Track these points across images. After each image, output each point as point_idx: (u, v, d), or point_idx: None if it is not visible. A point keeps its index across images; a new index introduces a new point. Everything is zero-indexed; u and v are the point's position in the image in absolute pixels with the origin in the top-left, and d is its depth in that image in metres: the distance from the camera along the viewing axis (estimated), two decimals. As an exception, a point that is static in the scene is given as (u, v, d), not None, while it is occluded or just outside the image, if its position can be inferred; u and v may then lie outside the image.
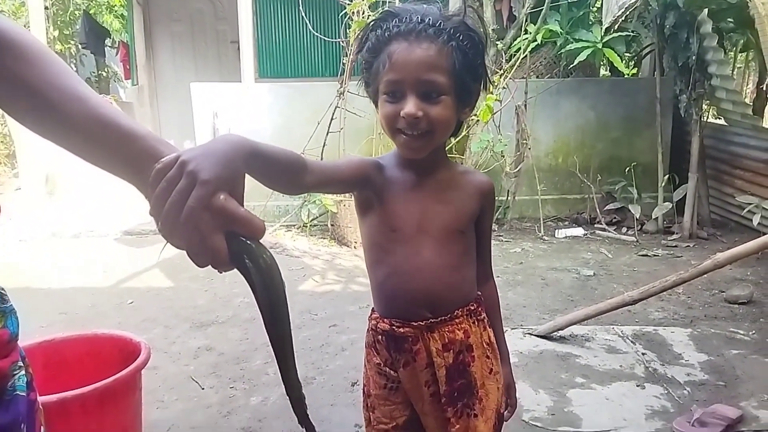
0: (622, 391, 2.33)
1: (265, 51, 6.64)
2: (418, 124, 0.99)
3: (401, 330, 1.09)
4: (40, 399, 0.89)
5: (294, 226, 5.15)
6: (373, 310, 1.17)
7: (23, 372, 0.99)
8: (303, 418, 0.65)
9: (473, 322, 1.13)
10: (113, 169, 0.65)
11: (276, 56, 6.71)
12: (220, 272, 0.60)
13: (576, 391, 2.33)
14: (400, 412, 1.15)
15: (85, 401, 1.53)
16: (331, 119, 4.78)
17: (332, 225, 4.92)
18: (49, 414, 1.14)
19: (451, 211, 1.10)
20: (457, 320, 1.10)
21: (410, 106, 0.97)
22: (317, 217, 5.06)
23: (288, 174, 0.84)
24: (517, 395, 1.26)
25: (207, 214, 0.56)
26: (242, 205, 0.59)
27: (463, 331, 1.10)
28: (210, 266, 0.58)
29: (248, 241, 0.57)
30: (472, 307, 1.13)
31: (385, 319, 1.11)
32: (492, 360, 1.15)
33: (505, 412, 1.22)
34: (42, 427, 1.13)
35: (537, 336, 2.82)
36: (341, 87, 4.77)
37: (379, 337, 1.13)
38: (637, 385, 2.37)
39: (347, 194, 4.60)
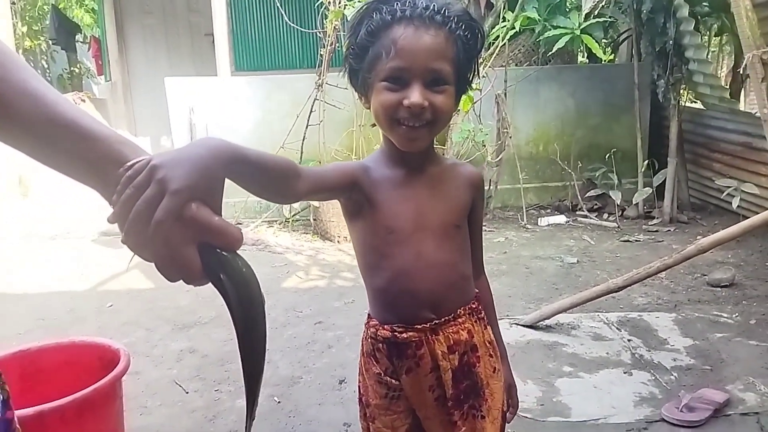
0: (609, 378, 2.34)
1: (240, 43, 6.52)
2: (423, 114, 0.94)
3: (404, 335, 1.05)
4: (17, 413, 0.85)
5: (276, 221, 5.09)
6: (370, 316, 1.12)
7: None
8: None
9: (475, 321, 1.10)
10: (72, 173, 0.59)
11: (252, 48, 6.60)
12: (194, 286, 0.56)
13: (564, 381, 2.33)
14: (401, 422, 1.11)
15: (64, 413, 1.48)
16: (311, 112, 4.72)
17: (315, 220, 4.87)
18: (27, 428, 1.08)
19: (446, 205, 1.06)
20: (460, 320, 1.07)
21: (416, 95, 0.92)
22: (299, 212, 5.01)
23: (278, 182, 0.79)
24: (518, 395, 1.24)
25: (178, 225, 0.51)
26: (219, 214, 0.55)
27: (467, 331, 1.08)
28: (182, 281, 0.54)
29: (224, 253, 0.53)
30: (473, 306, 1.11)
31: (385, 326, 1.07)
32: (494, 359, 1.13)
33: (507, 413, 1.20)
34: None
35: (523, 326, 2.82)
36: (320, 78, 4.70)
37: (380, 345, 1.08)
38: (625, 372, 2.38)
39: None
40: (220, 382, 2.40)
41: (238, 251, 0.55)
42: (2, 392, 0.96)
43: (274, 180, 0.78)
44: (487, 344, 1.12)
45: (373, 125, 1.08)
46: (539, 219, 5.00)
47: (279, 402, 2.22)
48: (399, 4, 0.93)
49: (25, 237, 4.86)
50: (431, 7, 0.92)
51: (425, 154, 1.05)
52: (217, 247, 0.53)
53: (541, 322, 2.82)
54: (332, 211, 4.66)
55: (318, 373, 2.47)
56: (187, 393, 2.33)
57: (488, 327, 1.14)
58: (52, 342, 1.84)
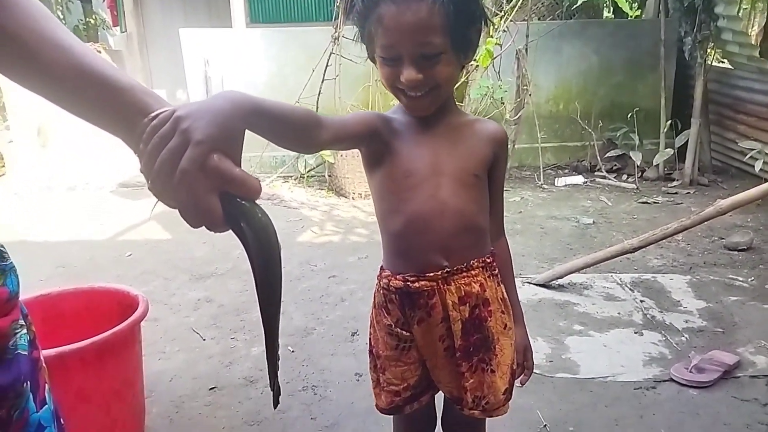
0: (620, 338, 2.35)
1: (256, -6, 6.40)
2: (421, 85, 0.97)
3: (416, 284, 1.06)
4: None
5: (291, 177, 5.10)
6: (382, 268, 1.13)
7: (25, 331, 0.98)
8: (273, 382, 0.63)
9: (488, 276, 1.10)
10: (98, 122, 0.61)
11: (267, 0, 6.47)
12: (214, 233, 0.57)
13: (574, 338, 2.35)
14: (411, 373, 1.14)
15: (84, 355, 1.53)
16: (326, 66, 4.64)
17: (330, 176, 4.87)
18: (49, 368, 1.12)
19: (464, 153, 1.07)
20: (473, 272, 1.08)
21: (408, 72, 0.95)
22: (314, 168, 5.00)
23: (300, 132, 0.80)
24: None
25: (201, 175, 0.53)
26: (239, 165, 0.56)
27: (479, 285, 1.08)
28: (204, 227, 0.56)
29: (243, 202, 0.55)
30: (488, 260, 1.11)
31: (397, 276, 1.08)
32: (506, 316, 1.13)
33: (522, 376, 1.21)
34: (46, 385, 1.12)
35: (535, 285, 2.82)
36: (336, 32, 4.60)
37: (392, 295, 1.10)
38: (635, 332, 2.38)
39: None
40: (236, 331, 2.46)
41: (256, 201, 0.56)
42: (29, 332, 0.99)
43: (295, 130, 0.79)
44: (500, 300, 1.12)
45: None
46: (556, 179, 4.94)
47: (293, 351, 2.28)
48: None
49: (44, 187, 4.93)
50: None
51: (444, 106, 1.05)
52: (237, 196, 0.55)
53: (554, 281, 2.82)
54: (347, 167, 4.65)
55: (331, 324, 2.52)
56: (204, 340, 2.39)
57: (501, 284, 1.14)
58: (72, 288, 1.89)
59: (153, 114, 0.56)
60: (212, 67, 5.15)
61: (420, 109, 1.02)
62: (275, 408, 0.67)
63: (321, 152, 4.69)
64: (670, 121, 4.90)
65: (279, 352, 0.62)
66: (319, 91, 4.61)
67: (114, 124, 0.60)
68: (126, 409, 1.71)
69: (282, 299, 0.60)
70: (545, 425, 1.80)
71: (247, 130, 0.61)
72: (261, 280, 0.58)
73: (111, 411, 1.64)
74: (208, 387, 2.05)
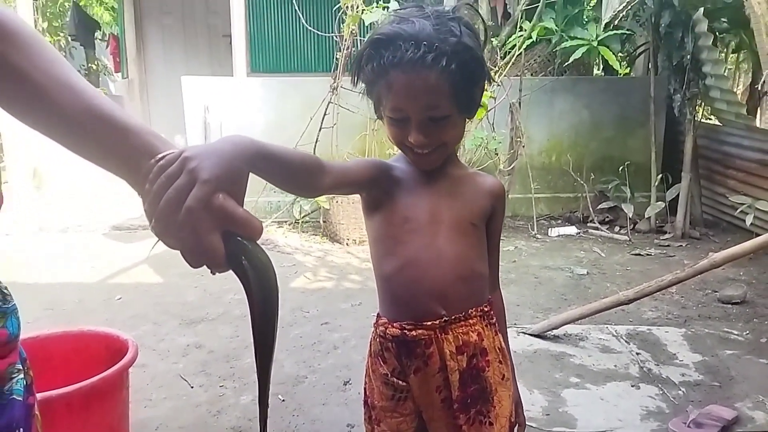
0: (617, 391, 2.31)
1: (257, 45, 6.57)
2: (427, 146, 1.00)
3: (413, 333, 1.05)
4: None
5: (286, 222, 5.11)
6: (379, 315, 1.13)
7: (22, 375, 0.95)
8: (263, 427, 0.63)
9: (486, 325, 1.09)
10: (105, 164, 0.62)
11: (268, 50, 6.65)
12: (214, 273, 0.58)
13: (570, 391, 2.31)
14: (407, 425, 1.11)
15: (71, 400, 1.49)
16: (324, 114, 4.73)
17: (324, 222, 4.88)
18: (32, 415, 1.08)
19: (462, 204, 1.08)
20: (471, 320, 1.07)
21: (416, 134, 0.98)
22: (309, 214, 5.02)
23: (303, 176, 0.82)
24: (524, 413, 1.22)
25: (205, 214, 0.54)
26: (242, 206, 0.58)
27: (477, 334, 1.07)
28: (205, 267, 0.56)
29: (245, 242, 0.55)
30: (486, 309, 1.10)
31: (394, 324, 1.07)
32: (504, 366, 1.12)
33: (515, 430, 1.19)
34: None
35: (531, 335, 2.80)
36: (334, 82, 4.72)
37: (389, 344, 1.08)
38: (632, 386, 2.35)
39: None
40: (225, 378, 2.41)
41: (257, 241, 0.57)
42: (26, 377, 0.97)
43: (297, 174, 0.80)
44: (497, 350, 1.11)
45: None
46: (549, 229, 4.97)
47: (283, 400, 2.22)
48: (390, 52, 0.94)
49: (37, 229, 4.91)
50: (421, 50, 0.92)
51: (445, 159, 1.07)
52: (239, 236, 0.55)
53: (549, 332, 2.80)
54: (342, 213, 4.67)
55: (323, 373, 2.47)
56: (192, 387, 2.33)
57: (499, 334, 1.13)
58: (61, 330, 1.86)
59: (161, 155, 0.57)
60: (212, 114, 5.24)
61: (426, 165, 1.05)
62: None
63: (316, 198, 4.72)
64: (660, 175, 4.99)
65: (269, 400, 0.61)
66: (317, 139, 4.68)
67: (120, 165, 0.61)
68: (110, 459, 1.65)
69: (276, 341, 0.60)
70: (542, 482, 1.75)
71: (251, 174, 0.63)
72: (259, 319, 0.57)
73: (94, 460, 1.59)
74: (195, 437, 1.99)
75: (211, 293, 3.42)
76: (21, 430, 0.98)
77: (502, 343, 1.13)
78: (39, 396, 1.48)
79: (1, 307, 0.80)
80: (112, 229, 5.02)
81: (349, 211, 4.66)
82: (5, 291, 0.72)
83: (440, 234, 1.05)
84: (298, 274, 3.85)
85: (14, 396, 0.95)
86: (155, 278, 3.78)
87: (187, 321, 3.04)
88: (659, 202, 4.92)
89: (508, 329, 1.22)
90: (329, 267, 4.06)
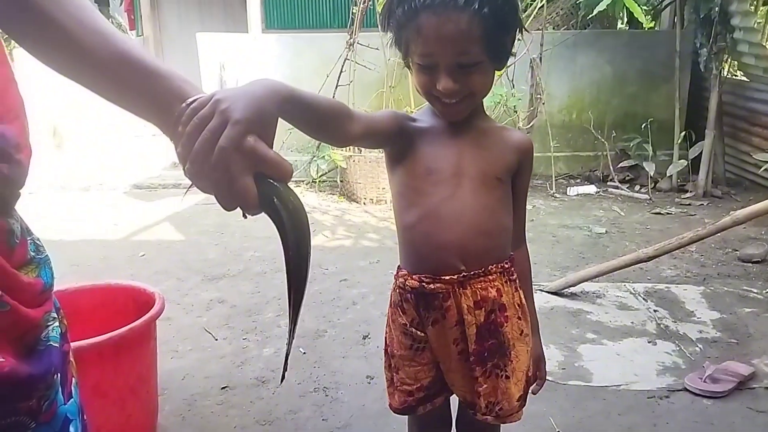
0: (633, 347, 2.33)
1: (272, 0, 6.45)
2: (456, 94, 0.98)
3: (431, 286, 1.06)
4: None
5: (303, 181, 5.12)
6: (399, 267, 1.14)
7: (57, 323, 0.99)
8: (285, 362, 0.65)
9: (506, 282, 1.09)
10: (136, 108, 0.63)
11: (283, 6, 6.51)
12: (246, 216, 0.59)
13: (587, 347, 2.33)
14: (425, 373, 1.13)
15: (102, 350, 1.54)
16: (341, 72, 4.68)
17: (341, 181, 4.88)
18: (67, 363, 1.12)
19: (488, 156, 1.07)
20: (490, 276, 1.07)
21: (445, 82, 0.96)
22: (326, 173, 5.02)
23: (332, 122, 0.82)
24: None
25: (237, 155, 0.54)
26: (272, 148, 0.58)
27: (496, 290, 1.07)
28: (238, 209, 0.57)
29: (277, 184, 0.56)
30: (506, 266, 1.10)
31: (414, 276, 1.08)
32: (523, 322, 1.12)
33: (534, 385, 1.21)
34: (74, 379, 1.14)
35: (548, 292, 2.81)
36: (351, 38, 4.64)
37: (408, 295, 1.10)
38: (649, 342, 2.37)
39: (359, 149, 4.57)
40: (248, 332, 2.47)
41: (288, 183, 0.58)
42: (61, 325, 1.01)
43: (326, 121, 0.80)
44: (517, 306, 1.11)
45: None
46: (568, 188, 4.93)
47: (304, 353, 2.28)
48: None
49: (59, 188, 4.99)
50: None
51: (472, 111, 1.06)
52: (270, 177, 0.56)
53: (566, 290, 2.81)
54: (359, 172, 4.67)
55: (342, 328, 2.52)
56: (216, 340, 2.40)
57: (519, 290, 1.13)
58: (89, 284, 1.91)
59: (192, 98, 0.57)
60: (227, 72, 5.20)
61: (453, 115, 1.03)
62: (281, 383, 0.70)
63: (333, 157, 4.72)
64: (684, 132, 4.88)
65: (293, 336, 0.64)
66: (333, 97, 4.64)
67: (151, 109, 0.61)
68: (140, 406, 1.72)
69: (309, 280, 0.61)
70: (558, 431, 1.79)
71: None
72: (292, 258, 0.59)
73: (126, 407, 1.65)
74: (220, 386, 2.06)
75: (231, 251, 3.48)
76: (58, 375, 1.02)
77: (523, 300, 1.13)
78: (72, 345, 1.54)
79: (35, 258, 0.82)
80: (132, 187, 5.09)
81: (366, 170, 4.66)
82: (38, 242, 0.74)
83: (463, 187, 1.04)
84: (316, 233, 3.88)
85: (51, 343, 0.99)
86: (177, 236, 3.84)
87: (209, 277, 3.10)
88: (681, 160, 4.83)
89: (527, 286, 1.23)
90: (347, 226, 4.09)
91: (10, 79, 0.62)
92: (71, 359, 1.06)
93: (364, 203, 4.65)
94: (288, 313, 0.61)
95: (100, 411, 1.58)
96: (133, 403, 1.68)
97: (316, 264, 3.24)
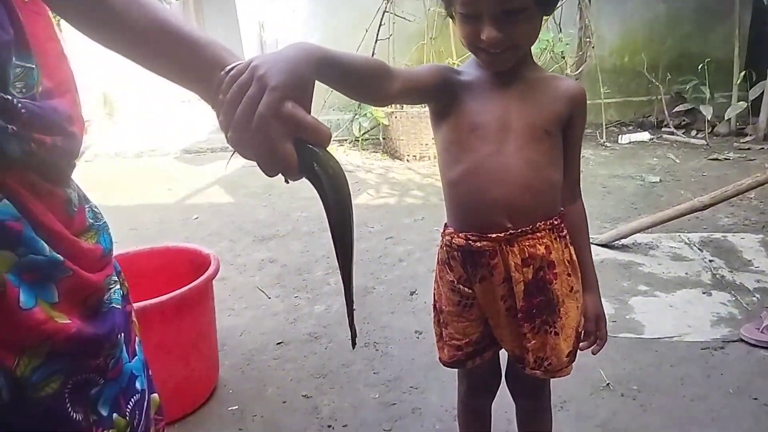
0: (687, 298, 2.28)
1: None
2: (500, 44, 0.94)
3: (478, 244, 1.05)
4: (122, 309, 0.94)
5: (346, 140, 5.14)
6: (446, 225, 1.13)
7: (118, 286, 1.04)
8: (351, 322, 0.67)
9: (555, 238, 1.07)
10: (176, 78, 0.64)
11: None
12: (288, 182, 0.60)
13: (638, 299, 2.30)
14: (473, 329, 1.14)
15: (164, 309, 1.63)
16: (380, 25, 4.60)
17: (384, 138, 4.87)
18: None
19: (536, 109, 1.03)
20: (538, 233, 1.05)
21: (489, 31, 0.92)
22: (368, 131, 5.01)
23: (370, 82, 0.81)
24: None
25: (276, 121, 0.55)
26: (309, 113, 0.58)
27: (545, 247, 1.05)
28: (280, 175, 0.58)
29: (316, 149, 0.57)
30: (556, 222, 1.07)
31: (460, 234, 1.07)
32: (573, 278, 1.10)
33: (594, 346, 1.18)
34: (137, 338, 1.21)
35: (598, 245, 2.76)
36: (389, -10, 4.53)
37: (455, 253, 1.09)
38: (703, 293, 2.31)
39: (400, 105, 4.52)
40: (299, 290, 2.55)
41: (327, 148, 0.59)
42: (122, 287, 1.07)
43: (364, 81, 0.80)
44: (567, 263, 1.09)
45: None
46: (620, 136, 4.76)
47: (354, 309, 2.34)
48: None
49: (113, 155, 5.18)
50: None
51: (519, 61, 1.02)
52: (309, 143, 0.57)
53: (617, 242, 2.75)
54: (401, 129, 4.64)
55: (390, 284, 2.56)
56: (269, 298, 2.49)
57: (570, 246, 1.10)
58: (148, 248, 2.00)
59: (230, 66, 0.58)
60: (267, 31, 5.19)
61: (499, 66, 1.00)
62: (353, 348, 0.71)
63: (375, 115, 4.69)
64: (743, 73, 4.60)
65: (353, 294, 0.64)
66: (373, 52, 4.58)
67: (191, 78, 0.63)
68: (202, 361, 1.82)
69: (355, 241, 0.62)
70: (608, 384, 1.79)
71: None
72: (335, 221, 0.60)
73: (189, 362, 1.75)
74: (276, 342, 2.14)
75: (279, 212, 3.56)
76: (122, 334, 1.09)
77: (573, 256, 1.11)
78: (135, 305, 1.63)
79: (94, 225, 0.86)
80: (182, 152, 5.23)
81: (408, 126, 4.62)
82: (95, 210, 0.77)
83: (509, 142, 1.01)
84: (361, 192, 3.91)
85: (113, 305, 1.05)
86: (227, 198, 3.95)
87: (260, 238, 3.19)
88: (741, 102, 4.57)
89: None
90: (391, 184, 4.10)
91: (60, 54, 0.64)
92: (134, 319, 1.13)
93: (407, 160, 4.64)
94: (342, 278, 0.63)
95: (165, 366, 1.68)
96: (196, 359, 1.78)
97: (362, 223, 3.28)
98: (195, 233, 3.31)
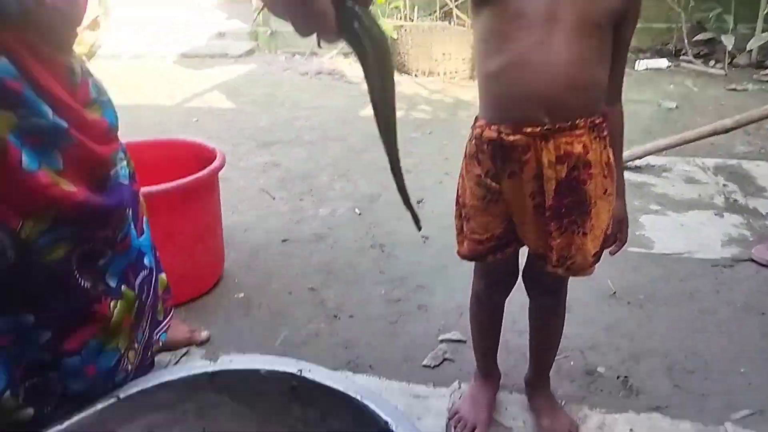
0: (699, 219, 2.25)
1: None
2: None
3: (510, 138, 0.99)
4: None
5: (352, 53, 4.94)
6: (477, 118, 1.07)
7: (125, 163, 0.98)
8: (406, 203, 0.64)
9: (594, 138, 1.01)
10: None
11: None
12: (321, 46, 0.52)
13: (649, 217, 2.27)
14: (496, 225, 1.10)
15: (170, 197, 1.58)
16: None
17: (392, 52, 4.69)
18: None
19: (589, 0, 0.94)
20: (577, 131, 0.99)
21: None
22: (377, 43, 4.82)
23: None
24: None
25: None
26: None
27: (583, 146, 1.00)
28: (315, 34, 0.51)
29: (357, 8, 0.50)
30: (597, 121, 1.01)
31: (491, 127, 1.02)
32: (608, 180, 1.05)
33: (613, 247, 1.17)
34: (144, 217, 1.16)
35: (610, 165, 2.71)
36: None
37: (484, 146, 1.04)
38: (716, 214, 2.28)
39: (410, 18, 4.31)
40: (304, 194, 2.50)
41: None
42: (129, 165, 1.00)
43: None
44: (604, 165, 1.04)
45: None
46: (637, 62, 4.60)
47: (360, 214, 2.30)
48: None
49: (110, 55, 4.97)
50: None
51: None
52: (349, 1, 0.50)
53: (630, 162, 2.69)
54: (411, 42, 4.46)
55: (397, 192, 2.50)
56: (274, 199, 2.44)
57: (609, 148, 1.04)
58: (152, 139, 1.93)
59: None
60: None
61: None
62: (419, 230, 0.71)
63: (384, 27, 4.49)
64: (772, 1, 4.39)
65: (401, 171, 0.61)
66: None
67: None
68: (207, 252, 1.79)
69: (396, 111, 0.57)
70: (614, 292, 1.79)
71: None
72: (379, 85, 0.54)
73: (194, 252, 1.72)
74: (281, 239, 2.12)
75: (281, 119, 3.46)
76: (130, 210, 1.04)
77: (611, 159, 1.05)
78: (142, 190, 1.58)
79: (98, 99, 0.81)
80: (180, 56, 5.04)
81: (417, 40, 4.44)
82: (99, 84, 0.73)
83: (556, 33, 0.94)
84: (367, 104, 3.75)
85: (121, 180, 1.00)
86: (227, 104, 3.83)
87: (262, 143, 3.11)
88: (765, 33, 4.39)
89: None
90: (398, 97, 3.88)
91: None
92: (141, 199, 1.07)
93: (416, 75, 4.49)
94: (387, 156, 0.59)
95: (171, 255, 1.64)
96: (200, 250, 1.75)
97: (368, 134, 3.19)
98: (195, 135, 3.15)
